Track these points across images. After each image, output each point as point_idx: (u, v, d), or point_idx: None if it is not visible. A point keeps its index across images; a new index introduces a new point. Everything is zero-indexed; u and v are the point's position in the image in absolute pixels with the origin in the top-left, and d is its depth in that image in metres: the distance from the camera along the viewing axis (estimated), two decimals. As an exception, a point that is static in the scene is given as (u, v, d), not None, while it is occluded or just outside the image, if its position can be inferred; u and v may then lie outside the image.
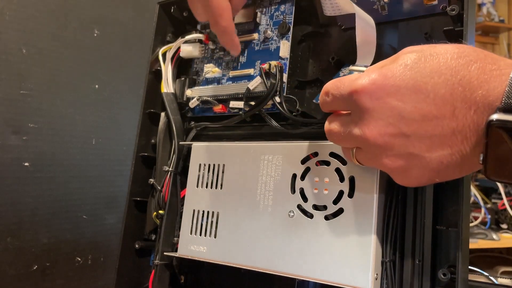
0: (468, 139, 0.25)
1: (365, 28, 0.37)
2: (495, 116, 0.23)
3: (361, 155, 0.30)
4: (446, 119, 0.25)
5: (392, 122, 0.26)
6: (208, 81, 0.47)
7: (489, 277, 0.69)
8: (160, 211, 0.46)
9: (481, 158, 0.24)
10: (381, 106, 0.26)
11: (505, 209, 1.17)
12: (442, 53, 0.26)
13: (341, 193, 0.34)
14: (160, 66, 0.50)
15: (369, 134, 0.27)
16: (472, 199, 1.17)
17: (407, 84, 0.26)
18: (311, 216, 0.35)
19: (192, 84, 0.49)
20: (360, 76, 0.28)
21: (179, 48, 0.49)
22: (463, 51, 0.26)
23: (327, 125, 0.31)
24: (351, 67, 0.36)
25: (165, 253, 0.44)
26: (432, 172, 0.27)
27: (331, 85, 0.30)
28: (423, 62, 0.26)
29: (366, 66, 0.35)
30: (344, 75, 0.36)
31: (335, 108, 0.31)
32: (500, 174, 0.24)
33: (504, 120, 0.23)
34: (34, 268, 0.58)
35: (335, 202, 0.34)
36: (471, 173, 0.30)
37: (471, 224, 1.17)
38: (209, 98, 0.46)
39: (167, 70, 0.49)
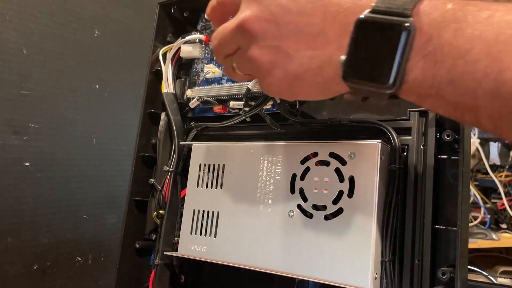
0: (331, 43, 0.26)
1: None
2: (365, 13, 0.24)
3: (239, 58, 0.30)
4: (317, 17, 0.26)
5: (271, 9, 0.27)
6: (208, 81, 0.47)
7: (489, 276, 0.70)
8: (161, 211, 0.46)
9: (342, 60, 0.25)
10: None
11: (505, 209, 1.17)
12: None
13: (340, 193, 0.34)
14: (160, 66, 0.50)
15: (246, 18, 0.28)
16: (471, 198, 1.17)
17: None
18: (311, 216, 0.35)
19: (193, 84, 0.49)
20: None
21: (179, 48, 0.49)
22: None
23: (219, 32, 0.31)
24: None
25: (165, 253, 0.44)
26: (291, 77, 0.28)
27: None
28: None
29: None
30: None
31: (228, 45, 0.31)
32: (359, 72, 0.24)
33: (372, 17, 0.23)
34: (34, 268, 0.58)
35: (335, 202, 0.35)
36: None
37: (470, 224, 1.17)
38: (209, 98, 0.46)
39: (167, 70, 0.49)
